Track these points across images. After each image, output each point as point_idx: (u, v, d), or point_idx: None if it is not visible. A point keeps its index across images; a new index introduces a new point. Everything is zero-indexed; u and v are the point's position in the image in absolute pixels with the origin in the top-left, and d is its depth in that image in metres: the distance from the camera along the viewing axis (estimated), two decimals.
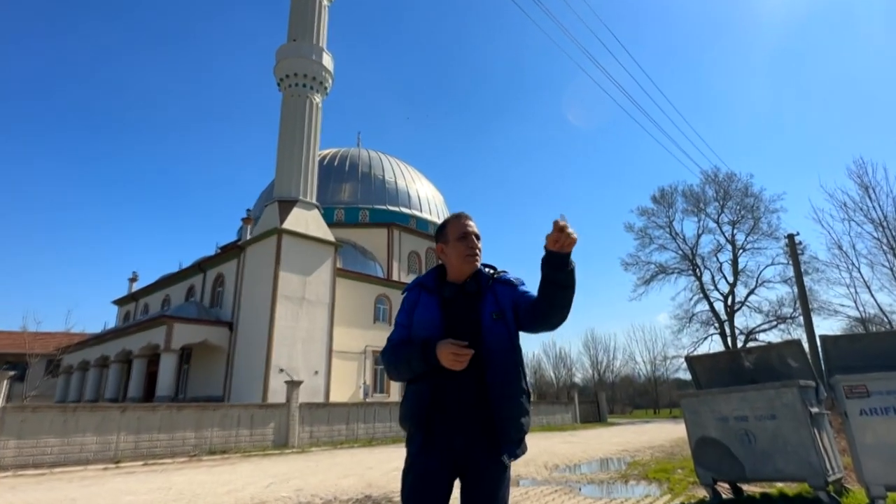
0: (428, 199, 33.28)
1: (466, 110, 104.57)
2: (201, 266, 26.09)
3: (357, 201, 30.80)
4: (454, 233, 2.09)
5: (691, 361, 5.65)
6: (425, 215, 32.18)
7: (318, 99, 25.66)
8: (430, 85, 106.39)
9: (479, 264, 2.08)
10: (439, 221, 35.33)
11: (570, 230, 1.84)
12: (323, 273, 22.87)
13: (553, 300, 1.91)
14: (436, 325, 2.00)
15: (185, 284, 27.30)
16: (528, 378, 1.99)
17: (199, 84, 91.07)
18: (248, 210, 25.62)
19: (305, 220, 23.08)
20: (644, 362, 45.67)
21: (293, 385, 15.85)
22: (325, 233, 23.58)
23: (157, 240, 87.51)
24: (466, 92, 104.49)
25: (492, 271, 2.10)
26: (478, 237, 2.09)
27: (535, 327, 1.97)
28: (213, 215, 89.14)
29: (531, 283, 2.19)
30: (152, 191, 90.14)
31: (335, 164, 32.44)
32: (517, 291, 2.05)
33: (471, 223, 2.08)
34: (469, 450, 1.92)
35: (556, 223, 1.82)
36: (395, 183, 32.17)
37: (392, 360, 2.07)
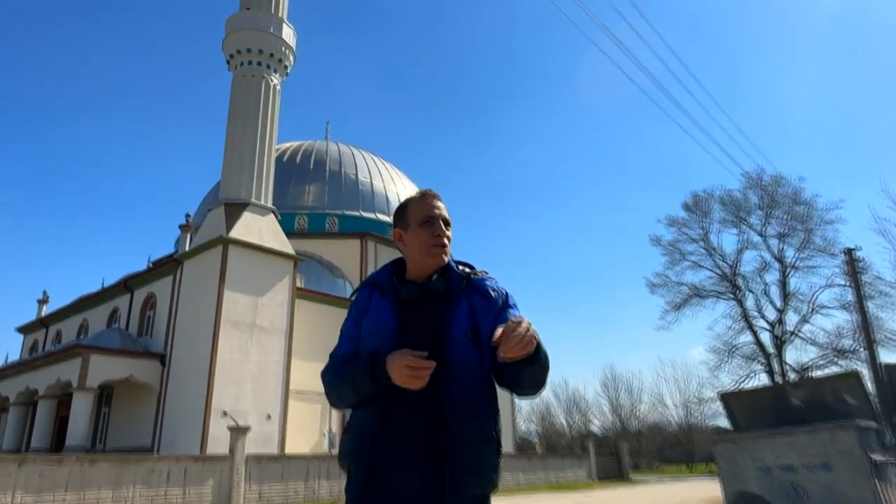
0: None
1: (454, 97, 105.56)
2: (127, 284, 26.01)
3: (324, 206, 30.87)
4: (416, 215, 2.05)
5: (727, 399, 5.56)
6: None
7: (276, 80, 25.82)
8: (411, 66, 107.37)
9: (446, 258, 2.02)
10: None
11: (522, 329, 1.75)
12: (279, 293, 22.86)
13: (520, 380, 1.91)
14: (388, 335, 1.94)
15: (107, 307, 27.18)
16: (499, 426, 1.95)
17: (124, 62, 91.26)
18: (188, 216, 25.42)
19: (258, 228, 23.11)
20: (675, 406, 45.61)
21: (239, 432, 15.67)
22: (282, 243, 23.58)
23: (75, 252, 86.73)
24: (455, 74, 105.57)
25: (467, 270, 2.05)
26: (447, 223, 2.04)
27: (501, 386, 1.98)
28: (147, 223, 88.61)
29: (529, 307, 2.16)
30: (68, 192, 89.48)
31: (297, 160, 32.61)
32: (501, 315, 1.98)
33: (438, 203, 2.04)
34: (423, 495, 1.85)
35: (502, 332, 1.76)
36: (371, 184, 32.37)
37: (333, 380, 2.02)
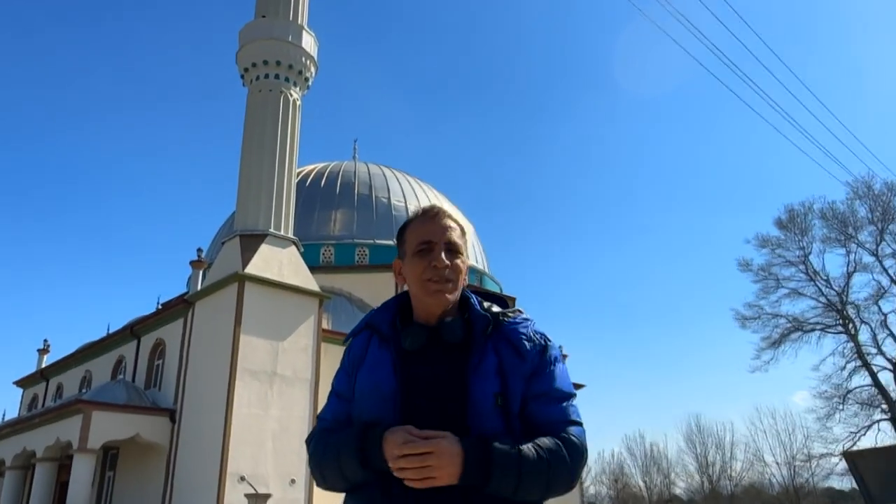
0: None
1: (497, 109, 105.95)
2: (134, 330, 26.35)
3: (352, 235, 31.06)
4: (412, 241, 1.94)
5: (853, 459, 5.06)
6: None
7: (296, 94, 26.25)
8: (447, 76, 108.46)
9: (451, 297, 1.89)
10: (469, 262, 37.26)
11: (420, 453, 1.62)
12: (303, 337, 22.86)
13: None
14: (388, 400, 1.79)
15: (111, 356, 27.58)
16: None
17: (129, 79, 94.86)
18: (200, 251, 25.74)
19: (278, 262, 23.28)
20: (777, 464, 43.56)
21: (259, 500, 15.47)
22: (305, 279, 23.68)
23: (78, 295, 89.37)
24: (497, 85, 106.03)
25: (496, 310, 1.90)
26: (454, 250, 1.91)
27: None
28: (157, 260, 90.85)
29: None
30: (69, 230, 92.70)
31: (322, 184, 33.05)
32: (535, 379, 1.83)
33: (444, 223, 1.93)
34: None
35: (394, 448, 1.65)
36: (406, 208, 32.42)
37: (317, 453, 1.87)
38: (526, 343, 1.83)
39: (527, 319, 1.90)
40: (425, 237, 1.90)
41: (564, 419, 1.78)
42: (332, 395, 1.98)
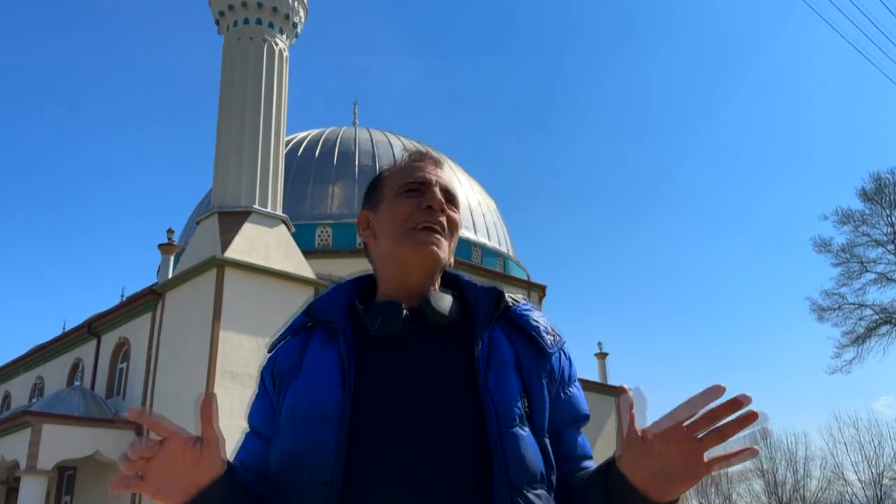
0: (471, 208, 33.37)
1: (525, 66, 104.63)
2: (92, 328, 26.34)
3: (353, 213, 30.57)
4: (394, 182, 1.87)
5: None
6: (468, 234, 32.16)
7: (282, 43, 25.76)
8: (465, 23, 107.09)
9: (443, 256, 1.79)
10: (490, 244, 38.10)
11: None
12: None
13: None
14: (326, 423, 1.60)
15: (66, 359, 27.62)
16: None
17: (79, 34, 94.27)
18: (171, 232, 25.82)
19: (265, 244, 23.10)
20: (862, 482, 42.67)
21: None
22: (298, 264, 23.53)
23: (27, 288, 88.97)
24: (524, 35, 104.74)
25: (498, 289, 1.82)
26: (450, 200, 1.86)
27: None
28: (121, 244, 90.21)
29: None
30: (13, 211, 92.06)
31: (316, 153, 32.84)
32: (563, 392, 1.79)
33: (436, 167, 1.90)
34: None
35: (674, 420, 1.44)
36: None
37: None
38: (546, 336, 1.78)
39: (534, 308, 1.87)
40: (414, 176, 1.86)
41: (589, 455, 1.78)
42: (247, 434, 1.88)
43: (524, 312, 1.79)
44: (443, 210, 1.82)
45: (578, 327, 76.54)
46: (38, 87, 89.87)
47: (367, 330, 1.71)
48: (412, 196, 1.83)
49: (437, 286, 1.81)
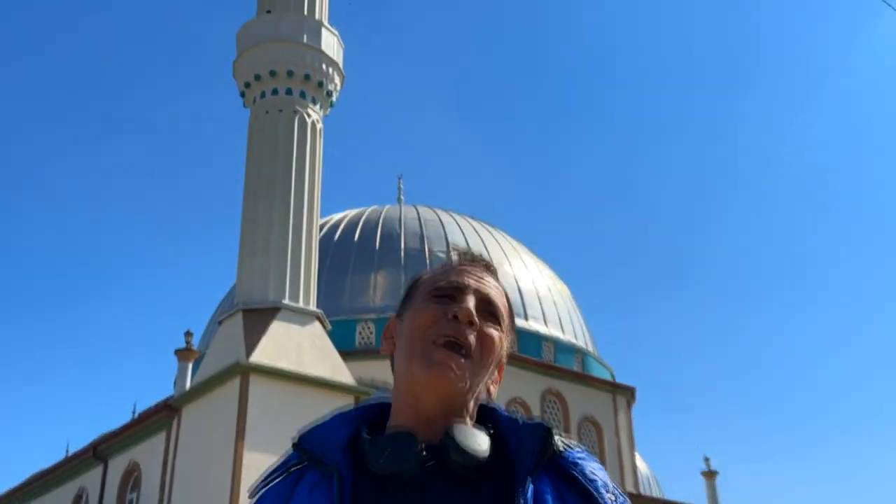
0: (540, 295, 33.39)
1: (598, 130, 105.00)
2: (98, 451, 26.37)
3: (397, 308, 30.90)
4: (427, 286, 1.86)
5: None
6: (537, 326, 32.07)
7: (316, 115, 26.26)
8: (523, 87, 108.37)
9: (459, 383, 1.72)
10: (565, 338, 37.54)
11: None
12: None
13: None
14: None
15: (68, 489, 27.60)
16: None
17: (81, 109, 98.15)
18: (189, 335, 25.89)
19: (297, 346, 23.13)
20: None
21: None
22: (336, 368, 23.51)
23: (25, 405, 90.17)
24: (594, 96, 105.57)
25: (545, 430, 1.72)
26: (492, 312, 1.81)
27: None
28: (131, 354, 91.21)
29: None
30: (10, 316, 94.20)
31: (356, 237, 33.28)
32: None
33: (482, 273, 1.87)
34: None
35: None
36: None
37: None
38: (606, 494, 1.68)
39: (588, 454, 1.77)
40: (450, 279, 1.84)
41: None
42: None
43: (578, 460, 1.71)
44: (472, 324, 1.74)
45: (678, 439, 74.34)
46: (34, 187, 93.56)
47: (370, 466, 1.65)
48: (442, 302, 1.78)
49: (467, 420, 1.74)
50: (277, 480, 1.79)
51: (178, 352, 25.91)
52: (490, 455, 1.68)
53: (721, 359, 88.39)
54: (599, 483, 1.70)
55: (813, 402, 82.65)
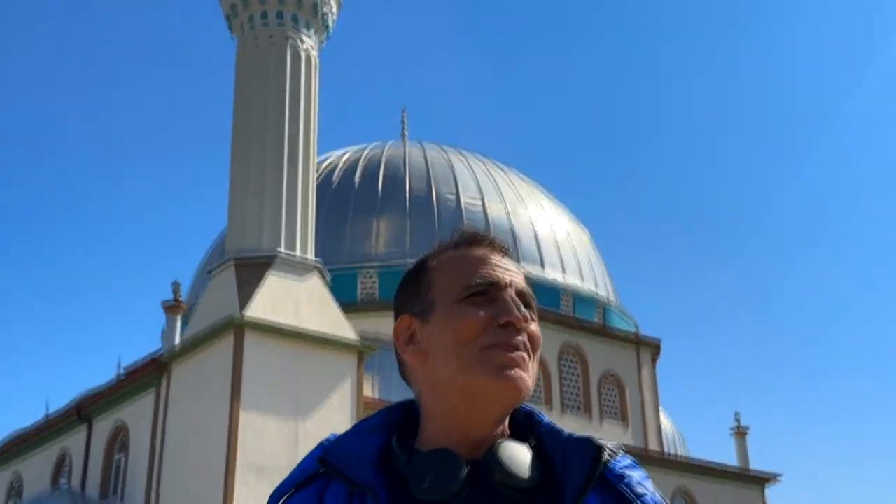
0: (558, 241, 33.38)
1: (617, 57, 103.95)
2: (83, 411, 26.49)
3: (405, 253, 30.83)
4: (452, 281, 1.79)
5: None
6: (555, 275, 32.18)
7: (311, 43, 26.06)
8: (538, 8, 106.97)
9: (526, 387, 1.73)
10: (585, 288, 37.33)
11: None
12: (336, 411, 22.85)
13: None
14: None
15: (50, 452, 27.79)
16: None
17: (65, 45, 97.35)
18: (177, 287, 25.82)
19: (294, 299, 23.26)
20: None
21: None
22: (336, 323, 23.65)
23: (1, 365, 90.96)
24: (618, 16, 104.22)
25: (596, 449, 1.73)
26: (529, 305, 1.79)
27: None
28: (115, 308, 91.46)
29: None
30: None
31: (356, 179, 33.19)
32: None
33: (505, 259, 1.85)
34: None
35: None
36: (484, 209, 32.48)
37: None
38: None
39: (634, 462, 1.82)
40: (479, 273, 1.79)
41: None
42: None
43: (624, 472, 1.72)
44: (526, 322, 1.75)
45: (705, 396, 74.73)
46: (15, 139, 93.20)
47: (411, 490, 1.62)
48: (480, 304, 1.74)
49: (506, 430, 1.76)
50: (293, 494, 1.76)
51: (165, 305, 25.91)
52: (534, 473, 1.70)
53: (752, 310, 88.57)
54: (648, 497, 1.74)
55: (850, 354, 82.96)
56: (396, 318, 1.84)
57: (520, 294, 1.79)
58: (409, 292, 1.83)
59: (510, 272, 1.82)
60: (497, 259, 1.84)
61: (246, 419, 21.33)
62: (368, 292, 30.09)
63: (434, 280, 1.80)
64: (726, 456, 33.72)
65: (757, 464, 33.41)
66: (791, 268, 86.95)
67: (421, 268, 1.85)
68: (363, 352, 23.53)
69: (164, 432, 23.20)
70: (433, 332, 1.76)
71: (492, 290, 1.76)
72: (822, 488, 74.29)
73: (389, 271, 30.17)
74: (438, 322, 1.76)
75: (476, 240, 1.86)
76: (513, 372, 1.70)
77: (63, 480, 26.04)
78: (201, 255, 36.11)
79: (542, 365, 29.58)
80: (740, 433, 34.90)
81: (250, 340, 21.93)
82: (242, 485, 20.75)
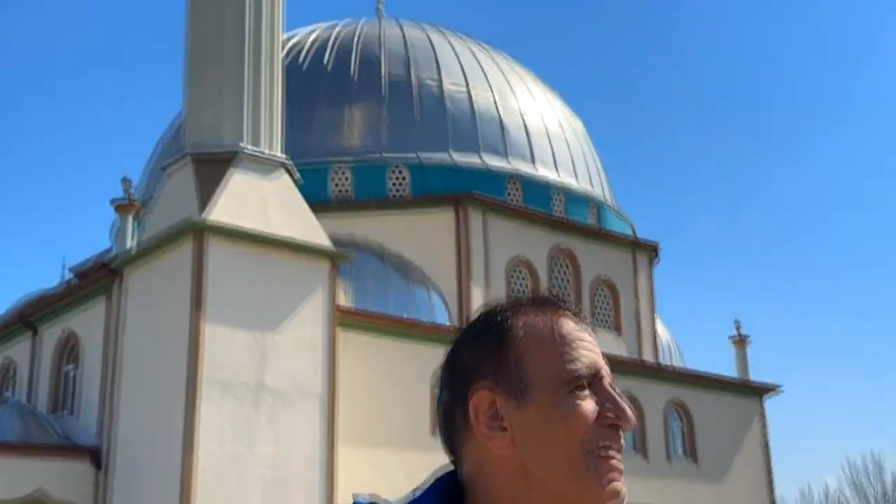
0: (550, 133, 33.18)
1: None
2: (28, 318, 26.53)
3: (381, 146, 30.84)
4: (552, 360, 1.78)
5: None
6: (545, 172, 32.15)
7: None
8: None
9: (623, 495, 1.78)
10: (579, 187, 37.27)
11: None
12: (307, 323, 23.04)
13: None
14: None
15: None
16: None
17: None
18: (127, 183, 25.65)
19: (260, 201, 23.19)
20: None
21: None
22: (306, 227, 23.67)
23: None
24: None
25: None
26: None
27: None
28: (59, 204, 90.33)
29: None
30: None
31: (327, 62, 32.73)
32: None
33: (590, 336, 1.85)
34: None
35: None
36: (470, 96, 32.11)
37: None
38: None
39: None
40: (587, 361, 1.79)
41: None
42: None
43: None
44: (635, 423, 1.80)
45: (707, 302, 75.72)
46: None
47: None
48: (584, 397, 1.75)
49: None
50: None
51: (116, 203, 25.67)
52: None
53: (756, 211, 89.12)
54: None
55: (855, 257, 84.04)
56: (456, 371, 1.83)
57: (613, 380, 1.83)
58: (488, 358, 1.81)
59: (599, 352, 1.83)
60: (588, 335, 1.84)
61: (211, 332, 21.41)
62: (342, 191, 29.99)
63: (525, 356, 1.79)
64: (725, 367, 34.49)
65: (757, 376, 34.10)
66: (799, 161, 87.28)
67: (502, 330, 1.83)
68: (336, 259, 23.62)
69: (119, 344, 23.27)
70: (533, 421, 1.74)
71: (595, 382, 1.77)
72: (822, 400, 76.30)
73: (364, 167, 30.20)
74: (541, 412, 1.74)
75: (558, 306, 1.86)
76: (619, 484, 1.72)
77: (8, 393, 26.07)
78: (152, 147, 35.92)
79: (531, 269, 30.17)
80: (740, 342, 35.37)
81: (213, 246, 21.90)
82: (206, 402, 20.93)
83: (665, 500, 28.32)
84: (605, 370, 1.81)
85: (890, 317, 78.26)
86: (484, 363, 1.80)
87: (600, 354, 1.82)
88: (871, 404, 73.54)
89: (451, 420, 1.81)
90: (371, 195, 29.82)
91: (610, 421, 1.73)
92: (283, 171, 23.91)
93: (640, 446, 30.17)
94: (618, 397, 1.77)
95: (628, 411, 1.75)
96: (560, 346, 1.79)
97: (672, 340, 35.98)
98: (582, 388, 1.75)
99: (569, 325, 1.83)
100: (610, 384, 1.80)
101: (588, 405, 1.74)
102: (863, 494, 52.13)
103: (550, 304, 1.86)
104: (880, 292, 78.85)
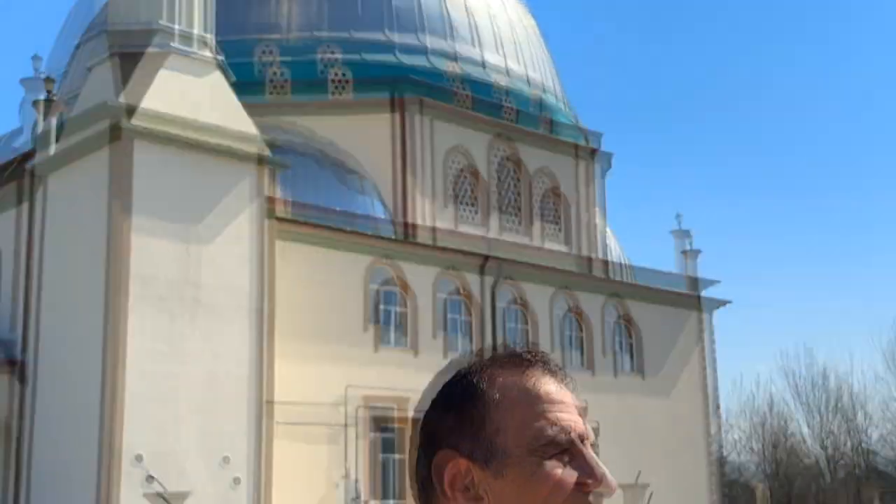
0: (499, 31, 32.66)
1: None
2: None
3: (312, 28, 30.52)
4: (526, 423, 1.85)
5: None
6: (494, 75, 32.00)
7: None
8: None
9: None
10: (529, 91, 36.82)
11: None
12: (238, 226, 23.11)
13: None
14: None
15: None
16: None
17: None
18: (37, 61, 26.21)
19: (186, 92, 22.91)
20: None
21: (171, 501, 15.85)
22: (237, 120, 23.67)
23: None
24: None
25: None
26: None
27: None
28: None
29: None
30: None
31: None
32: None
33: (571, 401, 1.92)
34: None
35: None
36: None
37: None
38: None
39: None
40: (563, 424, 1.84)
41: None
42: None
43: None
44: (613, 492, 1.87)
45: (656, 211, 76.79)
46: None
47: None
48: (559, 460, 1.80)
49: None
50: None
51: (25, 81, 25.70)
52: None
53: (713, 119, 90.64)
54: None
55: (812, 159, 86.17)
56: (431, 438, 1.86)
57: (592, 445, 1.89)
58: (463, 425, 1.85)
59: (583, 420, 1.90)
60: (565, 395, 1.90)
61: (138, 239, 21.40)
62: (275, 80, 29.75)
63: (500, 421, 1.83)
64: (673, 281, 35.38)
65: (705, 288, 34.94)
66: (761, 59, 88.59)
67: (476, 395, 1.87)
68: (267, 162, 24.03)
69: (41, 250, 23.20)
70: (506, 490, 1.79)
71: (572, 448, 1.82)
72: (770, 314, 78.78)
73: (298, 49, 29.92)
74: (518, 481, 1.79)
75: (537, 364, 1.91)
76: None
77: None
78: (62, 21, 34.84)
79: (475, 175, 30.16)
80: (681, 234, 35.98)
81: (141, 149, 21.76)
82: (134, 310, 21.22)
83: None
84: (586, 433, 1.86)
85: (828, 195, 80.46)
86: (458, 430, 1.84)
87: (581, 417, 1.88)
88: (808, 292, 76.22)
89: (426, 486, 1.84)
90: (307, 84, 29.70)
91: (588, 489, 1.78)
92: (211, 63, 23.71)
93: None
94: (597, 463, 1.81)
95: (609, 477, 1.80)
96: (537, 410, 1.83)
97: (620, 248, 36.27)
98: (560, 454, 1.80)
99: (548, 387, 1.87)
100: (591, 446, 1.85)
101: (566, 473, 1.78)
102: (793, 382, 54.73)
103: (528, 362, 1.90)
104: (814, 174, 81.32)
